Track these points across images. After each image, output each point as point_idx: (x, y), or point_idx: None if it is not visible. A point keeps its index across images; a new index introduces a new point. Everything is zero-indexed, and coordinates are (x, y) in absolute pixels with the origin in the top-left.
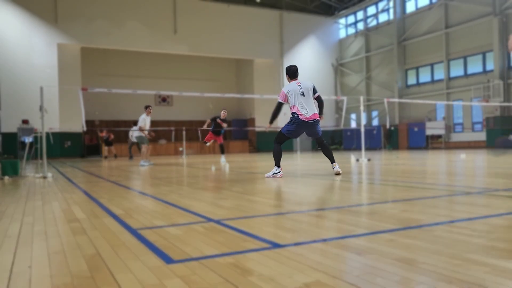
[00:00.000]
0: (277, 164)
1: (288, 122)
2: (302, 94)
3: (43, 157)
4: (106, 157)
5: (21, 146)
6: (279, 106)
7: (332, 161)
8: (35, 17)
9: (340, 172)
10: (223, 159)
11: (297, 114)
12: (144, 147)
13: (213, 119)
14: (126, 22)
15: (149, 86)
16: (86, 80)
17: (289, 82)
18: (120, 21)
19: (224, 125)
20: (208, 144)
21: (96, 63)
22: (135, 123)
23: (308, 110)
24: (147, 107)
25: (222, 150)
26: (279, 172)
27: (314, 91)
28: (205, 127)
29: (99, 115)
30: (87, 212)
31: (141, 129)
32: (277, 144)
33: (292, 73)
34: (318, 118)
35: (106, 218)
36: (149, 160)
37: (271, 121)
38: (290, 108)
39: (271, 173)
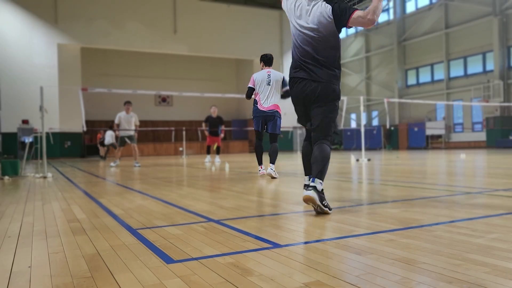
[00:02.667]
0: (259, 163)
1: (253, 116)
2: (268, 84)
3: (43, 157)
4: (103, 157)
5: (21, 146)
6: (249, 91)
7: (272, 162)
8: (35, 17)
9: (272, 176)
10: (217, 159)
11: (257, 102)
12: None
13: (206, 120)
14: (126, 22)
15: (149, 86)
16: (86, 80)
17: (261, 69)
18: (120, 21)
19: (222, 129)
20: (215, 147)
21: (96, 63)
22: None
23: (268, 101)
24: (125, 103)
25: (217, 151)
26: (259, 170)
27: (283, 84)
28: (205, 131)
29: (99, 115)
30: (87, 212)
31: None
32: (257, 139)
33: (267, 60)
34: (278, 111)
35: (106, 218)
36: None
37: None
38: (254, 95)
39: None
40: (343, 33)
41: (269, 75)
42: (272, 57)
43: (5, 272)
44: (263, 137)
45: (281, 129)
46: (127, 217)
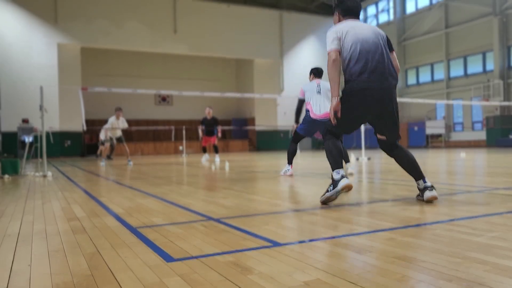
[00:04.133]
0: (289, 162)
1: (302, 121)
2: (318, 92)
3: (43, 156)
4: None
5: (21, 145)
6: (299, 102)
7: (347, 160)
8: (35, 17)
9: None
10: (217, 158)
11: (309, 111)
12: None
13: (202, 122)
14: (126, 22)
15: (149, 85)
16: (86, 80)
17: (310, 81)
18: (120, 21)
19: (219, 129)
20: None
21: (96, 63)
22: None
23: (320, 108)
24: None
25: (216, 150)
26: (288, 169)
27: None
28: (200, 134)
29: (99, 115)
30: (87, 210)
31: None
32: (292, 142)
33: (317, 72)
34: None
35: (106, 217)
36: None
37: (296, 120)
38: (305, 104)
39: (282, 170)
40: None
41: (318, 84)
42: (322, 71)
43: (5, 271)
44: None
45: (282, 129)
46: (127, 216)
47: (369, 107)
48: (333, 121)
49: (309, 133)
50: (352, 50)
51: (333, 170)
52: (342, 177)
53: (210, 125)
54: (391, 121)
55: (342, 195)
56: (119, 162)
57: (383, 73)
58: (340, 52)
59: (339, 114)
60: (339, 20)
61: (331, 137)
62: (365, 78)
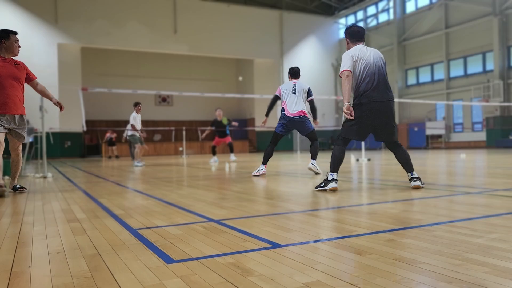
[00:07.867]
0: (264, 162)
1: (279, 120)
2: (294, 92)
3: (43, 157)
4: (110, 157)
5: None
6: (273, 98)
7: (313, 158)
8: (35, 17)
9: (313, 170)
10: (232, 157)
11: (284, 110)
12: (137, 147)
13: (213, 124)
14: (126, 22)
15: (149, 86)
16: (86, 80)
17: (289, 80)
18: (120, 21)
19: (235, 123)
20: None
21: (96, 63)
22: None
23: (294, 107)
24: (136, 104)
25: (231, 149)
26: (262, 169)
27: (309, 94)
28: (204, 135)
29: (99, 115)
30: (87, 212)
31: (134, 128)
32: (271, 144)
33: (293, 73)
34: (305, 115)
35: (106, 218)
36: (142, 160)
37: (267, 113)
38: (282, 103)
39: (255, 170)
40: (343, 33)
41: (294, 85)
42: (299, 71)
43: (5, 272)
44: (277, 143)
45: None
46: (127, 217)
47: (374, 117)
48: (350, 117)
49: (286, 131)
50: (361, 71)
51: (330, 172)
52: (333, 180)
53: (222, 126)
54: (387, 128)
55: (342, 196)
56: (121, 164)
57: (383, 90)
58: (352, 72)
59: (353, 114)
60: (348, 44)
61: (341, 144)
62: (370, 93)
